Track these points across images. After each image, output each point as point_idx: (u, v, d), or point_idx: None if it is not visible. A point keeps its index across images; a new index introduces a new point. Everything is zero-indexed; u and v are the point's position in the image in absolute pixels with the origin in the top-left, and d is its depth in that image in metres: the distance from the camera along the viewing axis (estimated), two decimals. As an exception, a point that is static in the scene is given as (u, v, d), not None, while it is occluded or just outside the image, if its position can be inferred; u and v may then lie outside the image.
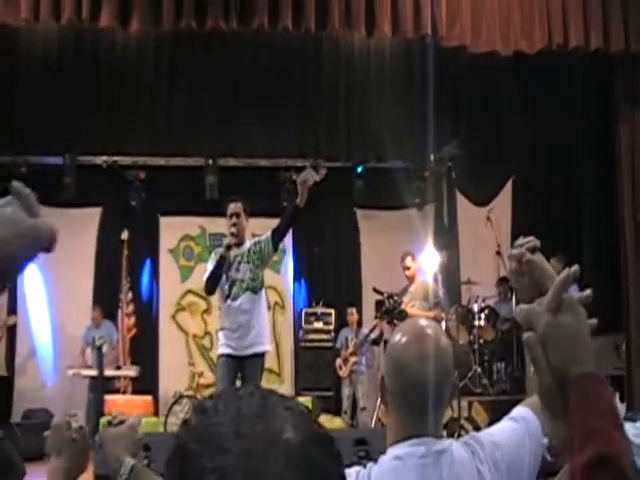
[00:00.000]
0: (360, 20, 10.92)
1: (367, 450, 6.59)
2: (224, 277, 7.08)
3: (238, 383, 7.20)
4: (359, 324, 12.14)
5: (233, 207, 7.18)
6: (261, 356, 7.20)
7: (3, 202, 1.13)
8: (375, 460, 2.05)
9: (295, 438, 0.92)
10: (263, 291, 7.30)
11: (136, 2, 10.31)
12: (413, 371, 2.01)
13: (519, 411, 2.19)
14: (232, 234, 7.08)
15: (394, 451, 2.01)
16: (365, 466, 2.03)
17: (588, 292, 1.29)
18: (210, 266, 7.16)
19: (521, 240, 1.49)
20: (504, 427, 2.18)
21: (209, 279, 7.11)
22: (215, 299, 8.46)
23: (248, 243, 7.23)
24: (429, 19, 10.65)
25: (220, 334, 7.31)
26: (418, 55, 12.12)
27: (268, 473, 0.89)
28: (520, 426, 2.13)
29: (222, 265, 7.02)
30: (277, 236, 7.11)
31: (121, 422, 2.17)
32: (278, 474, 0.89)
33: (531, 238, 1.50)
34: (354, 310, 12.17)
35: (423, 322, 2.23)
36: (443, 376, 2.06)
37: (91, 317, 12.28)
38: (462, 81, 12.69)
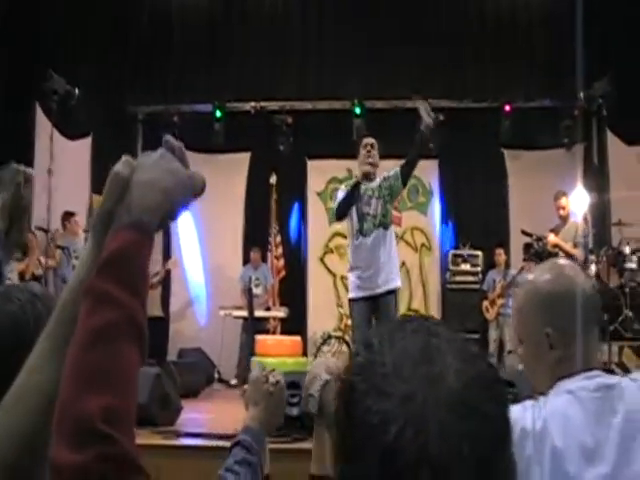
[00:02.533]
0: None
1: (515, 392, 6.51)
2: (354, 210, 7.04)
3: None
4: (507, 265, 11.99)
5: (369, 139, 7.16)
6: (393, 292, 7.10)
7: (159, 154, 1.22)
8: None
9: (456, 383, 0.93)
10: (392, 227, 7.24)
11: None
12: (569, 306, 2.04)
13: None
14: (370, 164, 7.07)
15: (565, 386, 2.03)
16: (537, 399, 2.04)
17: None
18: (341, 195, 7.13)
19: None
20: None
21: (342, 202, 7.04)
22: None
23: (378, 179, 7.15)
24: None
25: (351, 275, 7.23)
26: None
27: (427, 419, 0.90)
28: None
29: (358, 189, 6.99)
30: (406, 170, 7.00)
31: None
32: (437, 420, 0.90)
33: None
34: (502, 251, 12.01)
35: (561, 260, 2.27)
36: (595, 312, 2.11)
37: (251, 259, 12.66)
38: (615, 14, 12.11)
